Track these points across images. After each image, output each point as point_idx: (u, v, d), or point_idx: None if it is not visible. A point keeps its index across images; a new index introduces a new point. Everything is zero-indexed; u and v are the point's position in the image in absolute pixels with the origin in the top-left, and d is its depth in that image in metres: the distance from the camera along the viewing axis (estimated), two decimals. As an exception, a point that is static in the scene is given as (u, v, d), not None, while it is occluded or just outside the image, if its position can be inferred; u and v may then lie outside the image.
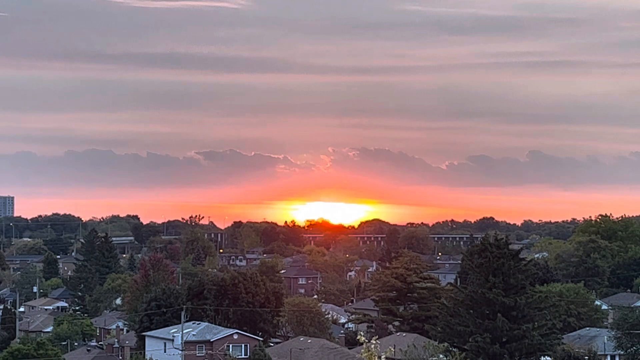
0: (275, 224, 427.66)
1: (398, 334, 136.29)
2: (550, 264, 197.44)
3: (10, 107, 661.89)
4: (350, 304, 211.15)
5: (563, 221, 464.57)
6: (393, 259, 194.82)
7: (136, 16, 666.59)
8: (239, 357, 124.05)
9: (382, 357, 33.23)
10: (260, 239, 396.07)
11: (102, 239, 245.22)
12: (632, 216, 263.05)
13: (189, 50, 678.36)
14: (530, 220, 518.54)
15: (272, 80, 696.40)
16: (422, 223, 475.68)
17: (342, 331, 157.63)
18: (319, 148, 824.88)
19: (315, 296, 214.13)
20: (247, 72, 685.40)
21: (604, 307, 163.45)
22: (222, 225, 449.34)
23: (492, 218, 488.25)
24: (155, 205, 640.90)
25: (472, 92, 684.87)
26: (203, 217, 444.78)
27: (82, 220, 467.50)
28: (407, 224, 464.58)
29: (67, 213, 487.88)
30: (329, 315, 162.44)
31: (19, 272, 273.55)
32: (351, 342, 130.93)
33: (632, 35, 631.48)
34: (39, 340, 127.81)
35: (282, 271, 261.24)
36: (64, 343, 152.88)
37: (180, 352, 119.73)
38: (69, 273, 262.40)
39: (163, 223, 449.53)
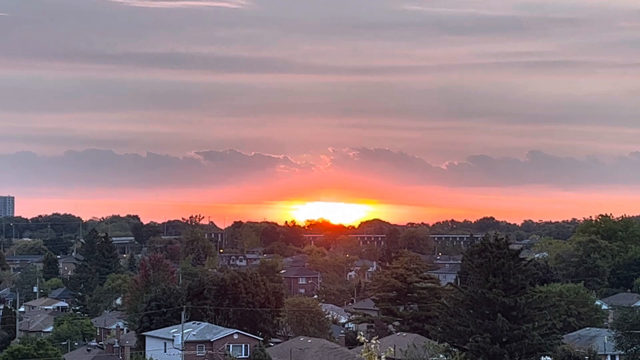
0: (276, 224, 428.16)
1: (398, 334, 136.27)
2: (550, 264, 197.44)
3: (10, 107, 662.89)
4: (350, 304, 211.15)
5: (563, 221, 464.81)
6: (393, 259, 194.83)
7: (136, 16, 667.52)
8: (239, 357, 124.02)
9: (382, 357, 33.22)
10: (260, 239, 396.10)
11: (102, 239, 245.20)
12: (632, 216, 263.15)
13: (189, 50, 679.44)
14: (530, 220, 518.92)
15: (272, 80, 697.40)
16: (422, 223, 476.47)
17: (342, 331, 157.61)
18: (319, 148, 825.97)
19: (316, 296, 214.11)
20: (247, 72, 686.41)
21: (604, 307, 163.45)
22: (222, 225, 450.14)
23: (492, 218, 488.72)
24: (156, 205, 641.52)
25: (472, 92, 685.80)
26: (203, 217, 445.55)
27: (82, 220, 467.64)
28: (407, 224, 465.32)
29: (67, 213, 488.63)
30: (329, 315, 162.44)
31: (19, 272, 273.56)
32: (351, 342, 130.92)
33: (632, 35, 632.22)
34: (39, 340, 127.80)
35: (282, 271, 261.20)
36: (64, 343, 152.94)
37: (180, 352, 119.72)
38: (69, 273, 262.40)
39: (163, 223, 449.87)
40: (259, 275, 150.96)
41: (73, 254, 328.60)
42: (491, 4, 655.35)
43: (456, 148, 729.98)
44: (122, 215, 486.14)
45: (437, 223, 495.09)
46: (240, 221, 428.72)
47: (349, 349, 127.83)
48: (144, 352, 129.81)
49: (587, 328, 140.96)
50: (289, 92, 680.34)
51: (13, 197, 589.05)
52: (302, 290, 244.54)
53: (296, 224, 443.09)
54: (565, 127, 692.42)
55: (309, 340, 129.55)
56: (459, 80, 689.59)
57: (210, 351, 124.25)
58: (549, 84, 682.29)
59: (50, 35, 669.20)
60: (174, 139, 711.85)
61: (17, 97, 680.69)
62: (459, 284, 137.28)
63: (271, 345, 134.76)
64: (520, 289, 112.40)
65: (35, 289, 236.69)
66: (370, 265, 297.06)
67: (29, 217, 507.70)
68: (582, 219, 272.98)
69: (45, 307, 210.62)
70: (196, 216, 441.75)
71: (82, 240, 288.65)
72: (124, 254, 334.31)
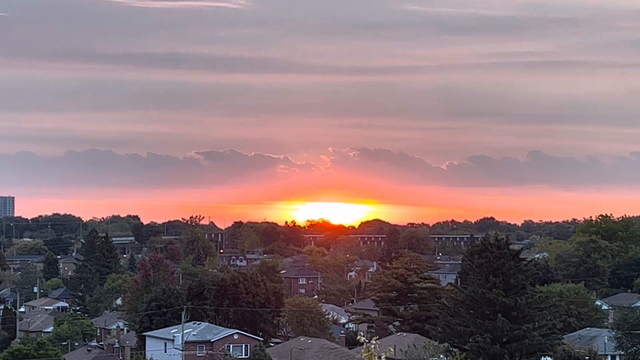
0: (276, 224, 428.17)
1: (398, 334, 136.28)
2: (550, 264, 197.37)
3: (10, 107, 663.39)
4: (350, 304, 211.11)
5: (563, 221, 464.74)
6: (393, 259, 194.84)
7: (136, 16, 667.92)
8: (239, 357, 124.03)
9: (382, 357, 33.19)
10: (260, 239, 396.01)
11: (103, 239, 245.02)
12: (633, 216, 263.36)
13: (189, 50, 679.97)
14: (530, 221, 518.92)
15: (272, 80, 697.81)
16: (422, 223, 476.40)
17: (342, 331, 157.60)
18: (319, 148, 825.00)
19: (316, 296, 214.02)
20: (247, 72, 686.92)
21: (605, 307, 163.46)
22: (222, 225, 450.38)
23: (492, 218, 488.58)
24: (156, 205, 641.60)
25: (472, 92, 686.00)
26: (203, 217, 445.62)
27: (83, 221, 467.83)
28: (408, 224, 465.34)
29: (68, 213, 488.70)
30: (330, 316, 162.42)
31: (20, 272, 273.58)
32: (351, 342, 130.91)
33: (632, 35, 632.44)
34: (40, 341, 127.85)
35: (283, 271, 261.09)
36: (64, 343, 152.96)
37: (180, 352, 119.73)
38: (69, 273, 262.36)
39: (163, 223, 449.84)
40: (259, 275, 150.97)
41: (73, 254, 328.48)
42: (491, 4, 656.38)
43: (456, 148, 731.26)
44: (122, 215, 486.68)
45: (437, 223, 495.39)
46: (240, 221, 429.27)
47: (349, 349, 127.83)
48: (144, 352, 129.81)
49: (588, 328, 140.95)
50: (289, 92, 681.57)
51: (13, 197, 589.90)
52: (303, 291, 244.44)
53: (296, 224, 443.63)
54: (565, 127, 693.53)
55: (309, 341, 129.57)
56: (459, 80, 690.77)
57: (210, 351, 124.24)
58: (549, 84, 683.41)
59: (50, 35, 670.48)
60: (174, 139, 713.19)
61: (17, 97, 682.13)
62: (459, 284, 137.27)
63: (271, 346, 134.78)
64: (520, 289, 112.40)
65: (35, 289, 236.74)
66: (371, 265, 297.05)
67: (29, 217, 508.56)
68: (582, 219, 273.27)
69: (46, 308, 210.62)
70: (196, 216, 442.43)
71: (82, 241, 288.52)
72: (124, 254, 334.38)
